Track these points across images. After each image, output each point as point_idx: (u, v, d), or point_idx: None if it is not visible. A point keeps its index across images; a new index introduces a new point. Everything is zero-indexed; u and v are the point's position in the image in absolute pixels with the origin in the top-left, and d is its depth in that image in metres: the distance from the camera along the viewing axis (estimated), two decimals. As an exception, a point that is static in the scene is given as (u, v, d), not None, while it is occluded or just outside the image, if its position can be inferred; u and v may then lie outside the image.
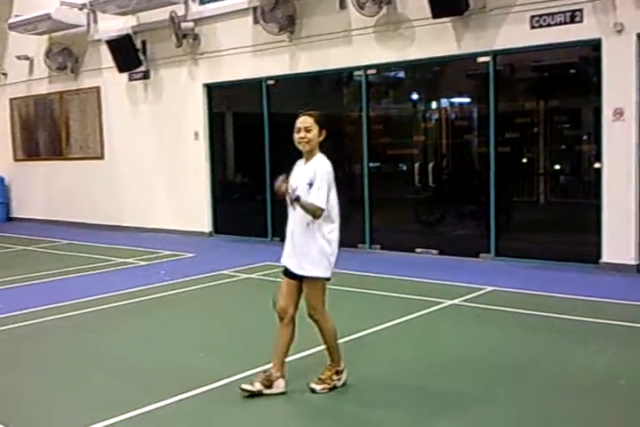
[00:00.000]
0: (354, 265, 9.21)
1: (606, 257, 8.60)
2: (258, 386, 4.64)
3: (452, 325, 6.46)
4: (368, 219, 10.65)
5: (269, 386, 4.66)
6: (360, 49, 10.42)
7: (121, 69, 13.26)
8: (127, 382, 5.11)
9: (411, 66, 10.28)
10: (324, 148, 4.70)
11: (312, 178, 4.53)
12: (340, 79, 11.15)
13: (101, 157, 14.55)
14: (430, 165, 9.92)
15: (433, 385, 4.89)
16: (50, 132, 15.82)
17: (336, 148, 11.45)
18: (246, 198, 12.60)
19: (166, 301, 7.75)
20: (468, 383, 4.87)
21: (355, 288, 7.99)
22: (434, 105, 10.36)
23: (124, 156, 14.06)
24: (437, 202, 10.24)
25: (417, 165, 10.07)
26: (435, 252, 10.12)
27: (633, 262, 8.42)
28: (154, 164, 13.45)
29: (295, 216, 4.66)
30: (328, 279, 4.69)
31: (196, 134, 12.72)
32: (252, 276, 8.99)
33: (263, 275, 9.00)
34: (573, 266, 8.75)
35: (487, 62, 9.35)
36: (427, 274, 8.61)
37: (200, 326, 6.76)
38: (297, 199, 4.50)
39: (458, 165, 10.10)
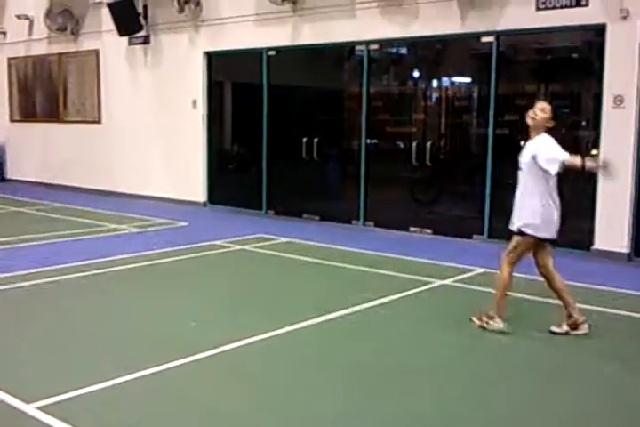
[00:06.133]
0: (347, 241, 9.26)
1: (598, 244, 8.63)
2: (565, 328, 5.56)
3: (441, 304, 6.51)
4: (363, 195, 10.63)
5: (575, 328, 5.55)
6: (363, 23, 10.33)
7: (121, 33, 13.12)
8: (114, 347, 5.16)
9: (413, 43, 10.20)
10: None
11: (535, 151, 5.36)
12: (342, 53, 11.05)
13: (98, 122, 14.47)
14: (428, 144, 9.88)
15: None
16: (47, 94, 15.69)
17: (334, 123, 11.41)
18: (242, 170, 12.54)
19: (156, 269, 7.77)
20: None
21: (350, 265, 8.04)
22: (435, 84, 10.30)
23: (120, 121, 13.98)
24: (433, 181, 10.22)
25: (415, 143, 10.03)
26: (428, 231, 10.13)
27: (625, 251, 8.46)
28: (150, 131, 13.39)
29: (525, 179, 5.49)
30: (533, 238, 5.46)
31: (194, 102, 12.64)
32: (245, 247, 9.00)
33: (255, 247, 9.02)
34: (565, 252, 8.75)
35: (490, 43, 9.30)
36: (419, 253, 8.64)
37: (189, 295, 6.79)
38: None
39: (455, 146, 10.07)
